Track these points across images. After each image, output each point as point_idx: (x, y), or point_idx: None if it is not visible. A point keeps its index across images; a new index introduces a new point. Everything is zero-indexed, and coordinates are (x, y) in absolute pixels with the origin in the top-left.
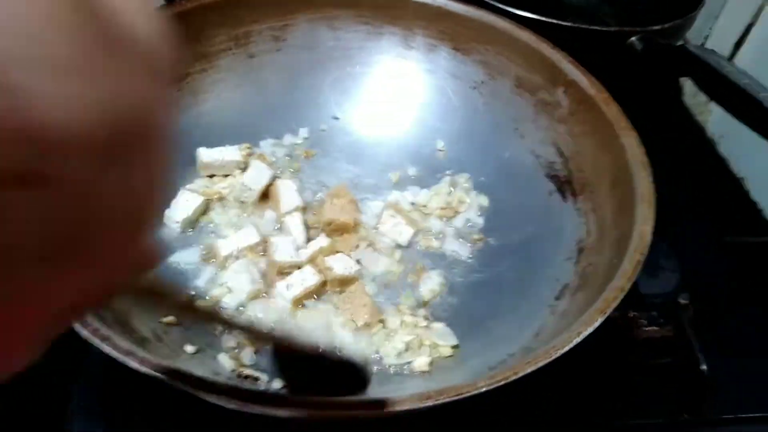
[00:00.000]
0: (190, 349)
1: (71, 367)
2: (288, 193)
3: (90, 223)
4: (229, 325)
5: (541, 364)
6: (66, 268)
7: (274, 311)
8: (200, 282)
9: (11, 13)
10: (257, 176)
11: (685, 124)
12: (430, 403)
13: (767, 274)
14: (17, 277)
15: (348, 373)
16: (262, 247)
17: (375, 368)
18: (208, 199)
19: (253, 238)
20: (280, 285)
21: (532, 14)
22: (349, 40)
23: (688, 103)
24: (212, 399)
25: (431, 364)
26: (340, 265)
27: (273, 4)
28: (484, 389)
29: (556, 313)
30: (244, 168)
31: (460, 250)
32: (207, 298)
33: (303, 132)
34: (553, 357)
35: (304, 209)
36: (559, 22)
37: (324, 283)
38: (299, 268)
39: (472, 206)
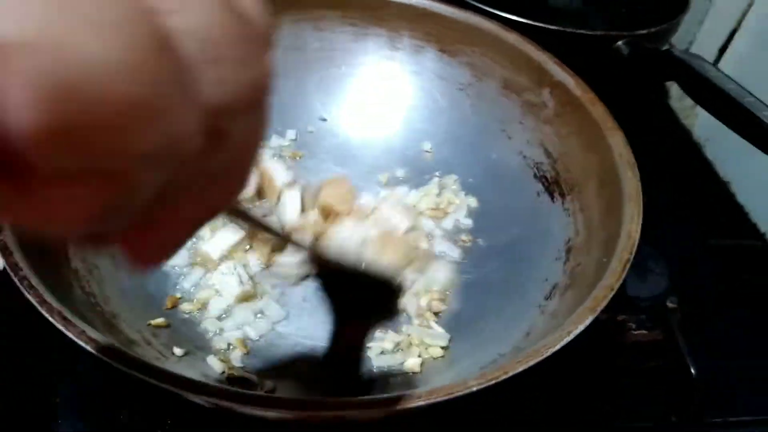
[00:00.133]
0: (178, 351)
1: (58, 368)
2: (279, 171)
3: (230, 161)
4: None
5: (531, 363)
6: (208, 191)
7: (261, 314)
8: (187, 284)
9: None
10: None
11: (671, 127)
12: (421, 403)
13: (754, 276)
14: (182, 194)
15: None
16: (247, 242)
17: (364, 369)
18: None
19: (236, 235)
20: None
21: (519, 17)
22: (334, 41)
23: (674, 106)
24: (200, 400)
25: (422, 364)
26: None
27: None
28: (475, 389)
29: (546, 312)
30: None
31: (450, 251)
32: (194, 300)
33: (290, 134)
34: (544, 356)
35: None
36: (545, 26)
37: None
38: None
39: (460, 207)
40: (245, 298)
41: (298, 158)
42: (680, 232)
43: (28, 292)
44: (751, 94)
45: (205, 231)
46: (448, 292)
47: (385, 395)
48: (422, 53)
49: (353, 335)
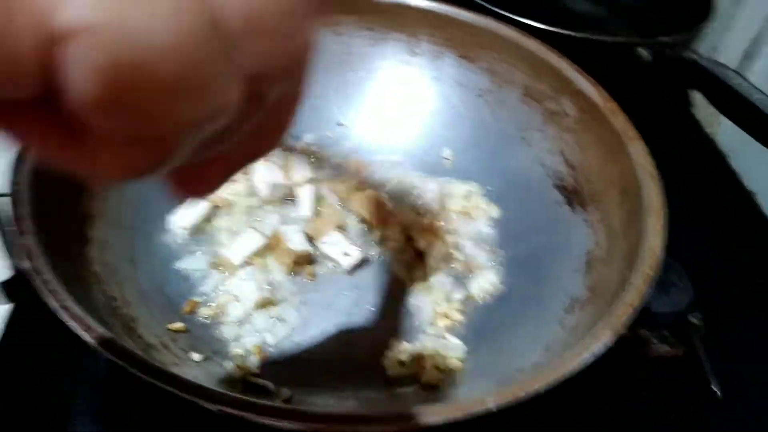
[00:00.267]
0: (196, 356)
1: (74, 369)
2: (300, 167)
3: (268, 119)
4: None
5: (550, 382)
6: (247, 142)
7: (280, 321)
8: (206, 288)
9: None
10: (266, 174)
11: (695, 136)
12: (437, 419)
13: None
14: (222, 146)
15: None
16: (268, 245)
17: (381, 380)
18: (215, 205)
19: (258, 240)
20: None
21: (540, 23)
22: (353, 46)
23: (698, 115)
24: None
25: (438, 377)
26: None
27: None
28: (492, 407)
29: (565, 327)
30: (246, 173)
31: (486, 260)
32: (213, 305)
33: (307, 138)
34: (563, 375)
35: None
36: (567, 32)
37: None
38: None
39: (484, 215)
40: (264, 304)
41: (313, 160)
42: (704, 245)
43: (50, 297)
44: None
45: (223, 236)
46: (469, 303)
47: (400, 411)
48: (441, 59)
49: (371, 345)
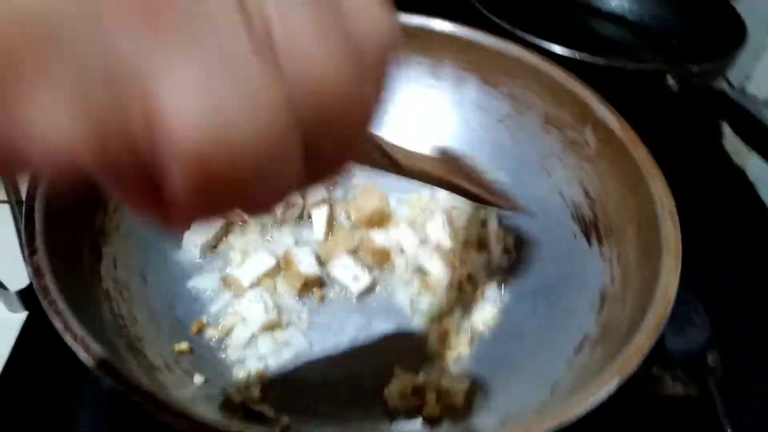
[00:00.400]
0: (198, 379)
1: (77, 391)
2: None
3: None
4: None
5: (554, 425)
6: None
7: (285, 345)
8: (214, 309)
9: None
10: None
11: (724, 167)
12: None
13: None
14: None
15: None
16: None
17: (383, 412)
18: (228, 223)
19: (269, 262)
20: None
21: (565, 48)
22: None
23: (728, 146)
24: None
25: (441, 411)
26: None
27: None
28: None
29: (574, 366)
30: None
31: (494, 292)
32: (219, 326)
33: None
34: (568, 419)
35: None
36: (592, 59)
37: None
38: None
39: (497, 243)
40: (270, 327)
41: (334, 183)
42: (727, 281)
43: (55, 318)
44: None
45: (236, 256)
46: (477, 334)
47: None
48: (464, 83)
49: (375, 374)
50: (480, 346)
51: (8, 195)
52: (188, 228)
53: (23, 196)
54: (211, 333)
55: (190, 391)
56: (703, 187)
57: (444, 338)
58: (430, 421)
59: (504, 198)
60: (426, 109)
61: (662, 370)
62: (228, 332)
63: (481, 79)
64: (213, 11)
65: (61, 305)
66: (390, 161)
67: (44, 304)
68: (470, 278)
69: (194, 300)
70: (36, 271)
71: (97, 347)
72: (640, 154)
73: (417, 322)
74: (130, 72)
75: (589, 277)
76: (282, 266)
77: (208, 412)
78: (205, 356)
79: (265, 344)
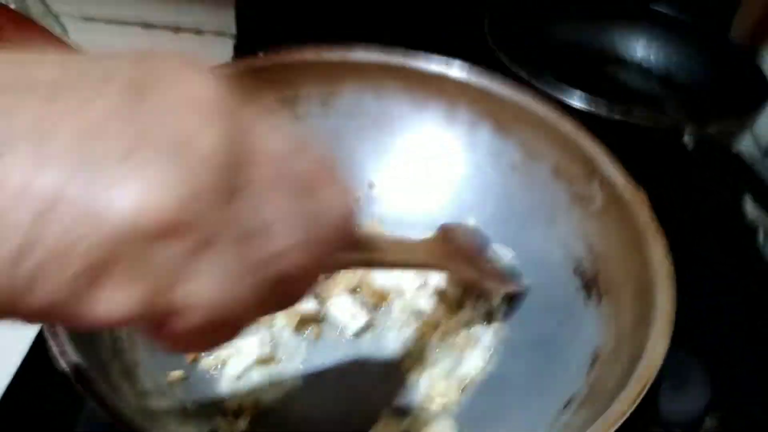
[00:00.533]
0: (189, 407)
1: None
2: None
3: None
4: None
5: None
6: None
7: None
8: None
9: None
10: None
11: (735, 226)
12: None
13: None
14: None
15: None
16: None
17: None
18: None
19: None
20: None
21: (580, 100)
22: (393, 110)
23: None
24: None
25: None
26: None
27: (323, 70)
28: None
29: (558, 424)
30: None
31: (486, 337)
32: (215, 356)
33: None
34: None
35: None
36: (607, 113)
37: None
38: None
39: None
40: (264, 360)
41: None
42: (731, 343)
43: (51, 340)
44: None
45: None
46: (468, 382)
47: None
48: (477, 128)
49: (364, 416)
50: (468, 395)
51: None
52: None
53: None
54: (207, 362)
55: (177, 421)
56: (710, 245)
57: (433, 384)
58: None
59: (503, 279)
60: (439, 152)
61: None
62: (223, 363)
63: (495, 126)
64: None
65: (59, 328)
66: (371, 260)
67: (44, 326)
68: (467, 324)
69: None
70: None
71: (89, 373)
72: (644, 215)
73: (408, 366)
74: (170, 273)
75: (584, 334)
76: None
77: None
78: (198, 385)
79: (257, 378)
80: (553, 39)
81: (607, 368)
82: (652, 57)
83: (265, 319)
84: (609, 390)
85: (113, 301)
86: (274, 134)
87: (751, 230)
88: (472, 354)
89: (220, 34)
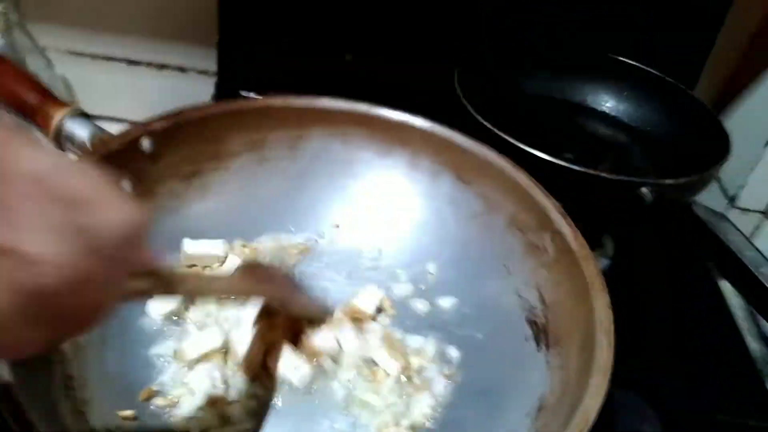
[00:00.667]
0: None
1: None
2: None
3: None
4: None
5: None
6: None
7: (228, 422)
8: (166, 378)
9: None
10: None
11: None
12: None
13: None
14: None
15: None
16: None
17: None
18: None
19: (215, 341)
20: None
21: (541, 152)
22: (359, 155)
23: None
24: None
25: None
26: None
27: (292, 116)
28: None
29: None
30: (223, 262)
31: (438, 382)
32: (168, 396)
33: (300, 236)
34: None
35: None
36: (567, 165)
37: None
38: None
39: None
40: (214, 402)
41: (301, 258)
42: (690, 403)
43: None
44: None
45: (192, 328)
46: (416, 427)
47: None
48: (439, 177)
49: None
50: None
51: None
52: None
53: None
54: (159, 402)
55: None
56: (665, 292)
57: (384, 429)
58: None
59: (310, 301)
60: (402, 198)
61: None
62: (175, 403)
63: (456, 176)
64: None
65: (4, 371)
66: (173, 287)
67: None
68: (419, 371)
69: (149, 366)
70: None
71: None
72: (590, 268)
73: (356, 413)
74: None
75: (531, 382)
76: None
77: None
78: (148, 425)
79: (207, 419)
80: (523, 90)
81: (551, 418)
82: (621, 108)
83: (217, 359)
84: None
85: None
86: (33, 153)
87: (705, 279)
88: (421, 399)
89: (202, 72)
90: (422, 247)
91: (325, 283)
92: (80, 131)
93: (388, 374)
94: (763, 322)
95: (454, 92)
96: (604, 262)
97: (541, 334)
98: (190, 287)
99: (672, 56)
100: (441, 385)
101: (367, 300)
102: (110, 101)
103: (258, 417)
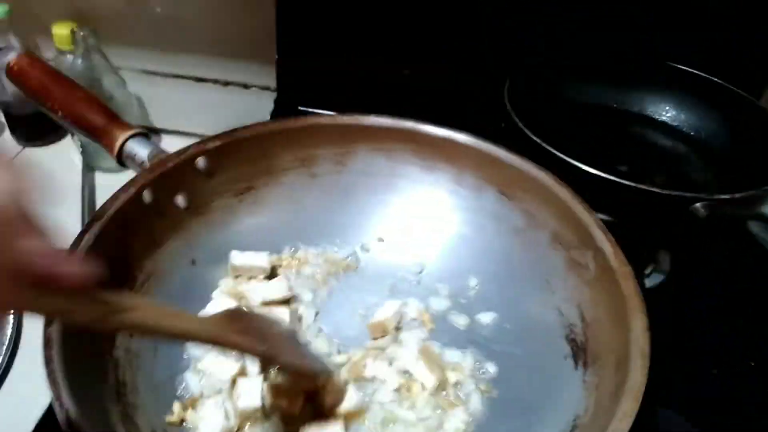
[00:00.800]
0: None
1: None
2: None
3: None
4: None
5: None
6: None
7: None
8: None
9: None
10: (277, 288)
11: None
12: None
13: None
14: None
15: None
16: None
17: None
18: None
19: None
20: None
21: (592, 168)
22: (403, 172)
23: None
24: None
25: None
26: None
27: (338, 133)
28: None
29: None
30: (270, 275)
31: (474, 398)
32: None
33: (345, 249)
34: None
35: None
36: (614, 178)
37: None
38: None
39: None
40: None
41: (346, 272)
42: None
43: (50, 387)
44: None
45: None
46: None
47: None
48: (483, 192)
49: None
50: None
51: None
52: None
53: None
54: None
55: None
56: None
57: None
58: None
59: (304, 357)
60: (445, 213)
61: None
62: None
63: (499, 191)
64: None
65: (59, 376)
66: (112, 317)
67: (45, 373)
68: (456, 385)
69: (199, 374)
70: (46, 342)
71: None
72: (629, 288)
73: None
74: None
75: (567, 401)
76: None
77: None
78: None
79: None
80: (578, 100)
81: None
82: (682, 117)
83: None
84: None
85: None
86: None
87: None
88: (456, 414)
89: (264, 88)
90: (464, 261)
91: (369, 297)
92: (141, 150)
93: (424, 387)
94: None
95: (503, 102)
96: (659, 278)
97: (579, 352)
98: (138, 320)
99: (738, 64)
100: (476, 401)
101: (388, 313)
102: (179, 116)
103: None
